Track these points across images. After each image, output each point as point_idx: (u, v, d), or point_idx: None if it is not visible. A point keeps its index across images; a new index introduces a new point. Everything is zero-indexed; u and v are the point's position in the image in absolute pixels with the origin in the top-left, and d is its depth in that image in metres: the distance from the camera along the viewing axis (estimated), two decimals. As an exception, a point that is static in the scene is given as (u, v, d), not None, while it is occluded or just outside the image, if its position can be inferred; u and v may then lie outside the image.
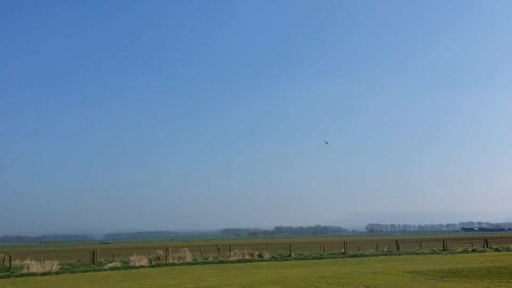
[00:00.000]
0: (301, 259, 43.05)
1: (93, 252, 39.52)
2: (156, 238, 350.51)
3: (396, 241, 56.41)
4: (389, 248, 54.31)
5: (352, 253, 47.32)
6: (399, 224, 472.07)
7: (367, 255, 46.47)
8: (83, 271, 33.38)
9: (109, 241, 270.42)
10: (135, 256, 38.86)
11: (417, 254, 47.60)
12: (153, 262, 38.58)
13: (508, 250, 50.27)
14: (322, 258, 43.62)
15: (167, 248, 41.56)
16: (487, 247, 53.50)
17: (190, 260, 40.04)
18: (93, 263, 37.56)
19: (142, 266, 36.61)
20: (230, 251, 44.63)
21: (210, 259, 41.38)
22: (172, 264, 37.87)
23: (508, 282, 20.15)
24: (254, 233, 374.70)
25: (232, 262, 39.85)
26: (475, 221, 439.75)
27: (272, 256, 44.02)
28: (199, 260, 40.34)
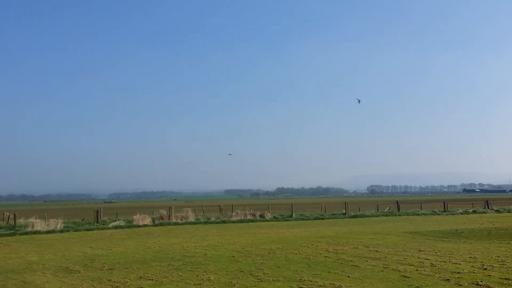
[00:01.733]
0: (302, 219, 43.46)
1: (97, 211, 39.92)
2: (159, 198, 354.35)
3: (397, 202, 56.80)
4: (389, 209, 54.77)
5: (353, 214, 47.73)
6: (400, 186, 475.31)
7: (367, 216, 46.86)
8: (87, 230, 33.80)
9: (113, 200, 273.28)
10: (138, 215, 39.27)
11: (418, 215, 47.96)
12: (156, 222, 39.02)
13: (509, 212, 50.60)
14: (323, 219, 44.01)
15: (170, 207, 41.96)
16: (488, 208, 53.85)
17: (193, 220, 40.48)
18: (97, 222, 38.00)
19: (145, 225, 37.06)
20: (232, 212, 45.05)
21: (213, 219, 41.81)
22: (175, 224, 38.31)
23: (508, 243, 20.31)
24: (256, 194, 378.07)
25: (234, 222, 40.28)
26: (476, 182, 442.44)
27: (274, 217, 44.43)
28: (202, 220, 40.78)
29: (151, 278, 13.07)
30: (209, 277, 12.94)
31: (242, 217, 42.41)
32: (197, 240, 23.68)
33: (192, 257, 17.22)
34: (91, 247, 22.10)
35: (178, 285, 12.03)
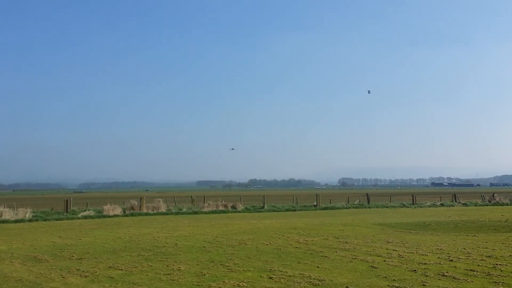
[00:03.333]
0: (274, 211, 43.72)
1: (67, 201, 39.38)
2: (131, 188, 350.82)
3: (367, 195, 57.60)
4: (359, 201, 55.46)
5: (323, 206, 48.21)
6: (371, 178, 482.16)
7: (338, 208, 47.42)
8: (57, 219, 33.30)
9: (83, 190, 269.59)
10: (108, 206, 38.85)
11: (387, 207, 48.74)
12: (126, 212, 38.69)
13: (475, 205, 51.84)
14: (295, 210, 44.37)
15: (141, 198, 41.65)
16: (456, 201, 55.08)
17: (164, 211, 40.28)
18: (67, 212, 37.48)
19: (115, 215, 36.71)
20: (204, 202, 44.94)
21: (184, 209, 41.67)
22: (146, 214, 38.06)
23: (474, 236, 20.83)
24: (228, 185, 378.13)
25: (206, 213, 40.22)
26: (445, 176, 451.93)
27: (246, 208, 44.55)
28: (173, 211, 40.59)
29: (120, 268, 12.97)
30: (179, 267, 12.92)
31: (214, 208, 42.37)
32: (168, 231, 23.57)
33: (163, 247, 17.15)
34: (60, 236, 21.79)
35: (148, 275, 11.97)
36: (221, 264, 13.30)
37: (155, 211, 39.62)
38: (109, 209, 38.00)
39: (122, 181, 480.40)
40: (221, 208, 42.92)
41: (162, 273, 12.14)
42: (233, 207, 43.76)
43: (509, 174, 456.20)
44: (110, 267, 13.18)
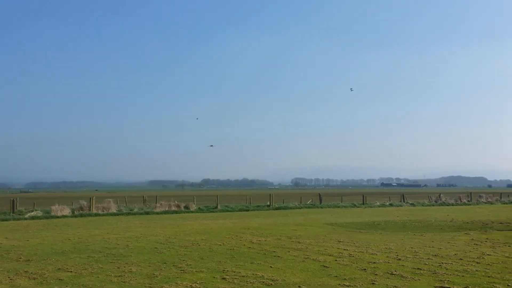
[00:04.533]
0: (227, 211, 43.70)
1: (13, 201, 38.15)
2: (79, 188, 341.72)
3: (319, 195, 58.45)
4: (312, 201, 56.21)
5: (277, 206, 48.58)
6: (323, 179, 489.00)
7: (291, 208, 47.89)
8: (2, 220, 32.18)
9: (30, 190, 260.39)
10: (57, 206, 37.77)
11: (338, 207, 49.65)
12: (75, 212, 37.74)
13: (422, 205, 53.50)
14: (248, 210, 44.51)
15: (90, 198, 40.68)
16: (404, 202, 56.70)
17: (115, 211, 39.53)
18: (13, 212, 36.27)
19: (64, 216, 35.71)
20: (156, 203, 44.43)
21: (136, 210, 41.04)
22: (96, 215, 37.24)
23: (421, 235, 21.51)
24: (181, 185, 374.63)
25: (158, 213, 39.75)
26: (394, 177, 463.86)
27: (199, 208, 44.34)
28: (124, 211, 39.90)
29: (70, 270, 12.62)
30: (130, 268, 12.70)
31: (167, 208, 41.94)
32: (119, 232, 23.13)
33: (114, 248, 16.80)
34: (6, 237, 21.02)
35: (98, 277, 11.71)
36: (173, 265, 13.17)
37: (105, 212, 38.81)
38: (57, 209, 36.94)
39: (70, 180, 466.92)
40: (173, 208, 42.53)
41: (113, 275, 11.90)
42: (186, 207, 43.46)
43: (454, 175, 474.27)
44: (59, 269, 12.81)
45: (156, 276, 11.68)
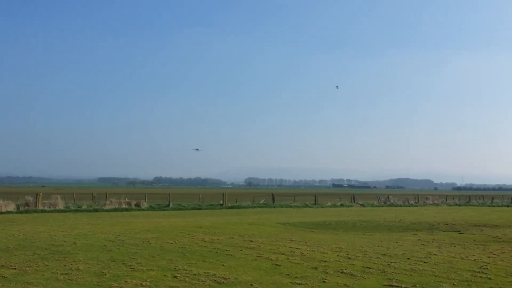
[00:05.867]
0: (180, 209, 43.31)
1: (-48, 197, 36.31)
2: (26, 184, 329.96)
3: (272, 194, 58.81)
4: (265, 200, 56.46)
5: (230, 205, 48.52)
6: (276, 179, 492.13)
7: (244, 207, 47.92)
8: None
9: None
10: (0, 201, 36.27)
11: (291, 207, 50.08)
12: (21, 208, 36.44)
13: (372, 206, 54.77)
14: (201, 209, 44.24)
15: (37, 194, 39.36)
16: (354, 202, 57.87)
17: (62, 208, 38.39)
18: (-48, 208, 34.52)
19: (8, 212, 34.39)
20: (106, 200, 43.45)
21: (84, 207, 40.01)
22: (42, 211, 36.05)
23: (370, 235, 21.97)
24: (132, 183, 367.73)
25: (107, 210, 38.88)
26: (345, 178, 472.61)
27: (150, 206, 43.72)
28: (72, 208, 38.83)
29: (14, 267, 12.10)
30: (78, 266, 12.31)
31: (117, 206, 41.13)
32: (66, 229, 22.40)
33: (60, 246, 16.25)
34: None
35: (44, 274, 11.28)
36: (123, 263, 12.86)
37: (52, 208, 37.63)
38: (1, 205, 35.50)
39: (16, 175, 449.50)
40: (124, 206, 41.75)
41: (59, 272, 11.50)
42: (137, 205, 42.74)
43: (402, 177, 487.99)
44: (2, 266, 12.26)
45: (105, 274, 11.37)
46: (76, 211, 37.70)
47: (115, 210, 39.58)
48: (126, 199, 44.36)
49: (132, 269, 12.05)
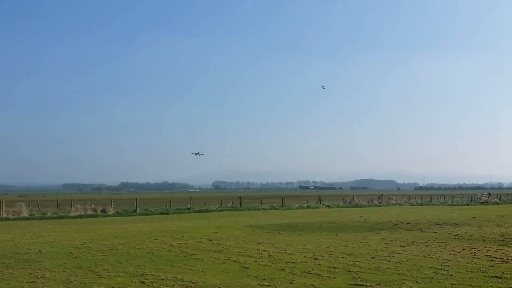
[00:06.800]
0: (147, 214, 42.89)
1: None
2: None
3: (240, 197, 58.89)
4: (232, 204, 56.51)
5: (197, 209, 48.32)
6: (243, 182, 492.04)
7: (211, 211, 47.83)
8: None
9: None
10: (-39, 210, 35.27)
11: (258, 209, 50.26)
12: (-17, 217, 35.42)
13: (338, 207, 55.51)
14: (168, 214, 43.93)
15: (0, 202, 38.37)
16: (320, 203, 58.48)
17: (27, 215, 37.52)
18: None
19: (-31, 221, 33.41)
20: (71, 206, 42.67)
21: (49, 214, 39.17)
22: (6, 219, 35.14)
23: (336, 235, 22.36)
24: (98, 189, 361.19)
25: (73, 217, 38.19)
26: (311, 180, 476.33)
27: (117, 212, 43.16)
28: (37, 215, 37.97)
29: (-24, 278, 11.87)
30: (44, 274, 12.17)
31: (82, 212, 40.44)
32: (31, 236, 22.01)
33: (25, 254, 15.99)
34: None
35: (9, 283, 11.12)
36: (89, 270, 12.78)
37: (16, 216, 36.73)
38: (-39, 214, 34.48)
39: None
40: (89, 212, 41.10)
41: (24, 281, 11.35)
42: (103, 211, 42.14)
43: (367, 178, 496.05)
44: (-37, 277, 12.01)
45: (71, 282, 11.29)
46: (41, 218, 36.91)
47: (80, 216, 38.93)
48: (92, 205, 43.65)
49: (99, 276, 11.99)
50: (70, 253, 16.23)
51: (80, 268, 13.18)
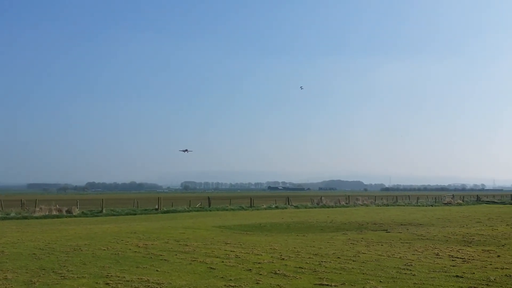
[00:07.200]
0: (113, 215, 42.39)
1: None
2: None
3: (208, 198, 58.83)
4: (201, 204, 56.36)
5: (165, 209, 48.02)
6: (213, 182, 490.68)
7: (180, 211, 47.59)
8: None
9: None
10: None
11: (227, 210, 50.26)
12: None
13: (305, 208, 55.99)
14: (135, 214, 43.53)
15: (-41, 202, 37.30)
16: (289, 204, 58.87)
17: (-12, 216, 36.61)
18: None
19: None
20: (35, 207, 41.83)
21: (12, 214, 38.34)
22: (-34, 220, 34.21)
23: (303, 235, 22.56)
24: (64, 189, 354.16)
25: (37, 218, 37.47)
26: (280, 180, 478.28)
27: (82, 212, 42.53)
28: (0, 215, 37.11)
29: None
30: (6, 275, 11.91)
31: (47, 213, 39.71)
32: (-7, 238, 21.49)
33: (-14, 255, 15.60)
34: None
35: (-33, 286, 10.85)
36: (53, 272, 12.56)
37: (-23, 217, 35.79)
38: None
39: None
40: (54, 212, 40.38)
41: (-16, 283, 11.10)
42: (68, 211, 41.45)
43: (334, 179, 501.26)
44: None
45: (34, 283, 11.09)
46: (3, 218, 36.06)
47: (45, 217, 38.20)
48: (57, 206, 42.89)
49: (62, 277, 11.81)
50: (34, 254, 15.91)
51: (44, 269, 12.95)
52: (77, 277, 11.90)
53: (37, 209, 40.67)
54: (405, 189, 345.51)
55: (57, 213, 40.24)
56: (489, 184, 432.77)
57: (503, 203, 77.48)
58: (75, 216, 40.06)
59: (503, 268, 13.26)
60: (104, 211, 43.88)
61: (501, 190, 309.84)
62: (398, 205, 65.65)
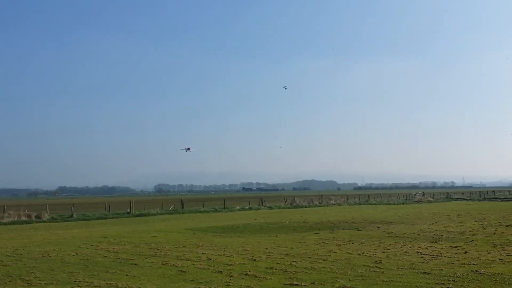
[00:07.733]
0: (84, 219, 41.77)
1: None
2: None
3: (181, 200, 58.44)
4: (174, 207, 55.96)
5: (137, 213, 47.58)
6: (186, 184, 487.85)
7: (152, 214, 47.23)
8: None
9: None
10: None
11: (200, 212, 50.06)
12: None
13: (279, 208, 56.25)
14: (107, 218, 42.98)
15: None
16: (262, 205, 59.02)
17: (-47, 223, 35.65)
18: None
19: None
20: (4, 213, 40.93)
21: (-21, 221, 37.41)
22: None
23: (276, 236, 22.65)
24: (34, 194, 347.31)
25: (5, 224, 36.71)
26: (254, 182, 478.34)
27: (52, 218, 41.79)
28: (-35, 223, 36.17)
29: None
30: (-31, 285, 11.62)
31: (16, 219, 38.98)
32: (-42, 246, 20.92)
33: (-50, 264, 15.18)
34: None
35: None
36: (20, 278, 12.31)
37: None
38: None
39: None
40: (23, 218, 39.66)
41: None
42: (38, 216, 40.72)
43: (308, 179, 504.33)
44: None
45: (-1, 292, 10.85)
46: (-32, 226, 35.17)
47: (13, 223, 37.43)
48: (26, 211, 42.11)
49: (29, 284, 11.58)
50: (0, 261, 15.57)
51: (10, 276, 12.68)
52: (44, 283, 11.69)
53: (6, 215, 39.83)
54: (377, 188, 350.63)
55: (26, 219, 39.51)
56: (459, 182, 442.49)
57: (472, 200, 79.37)
58: (44, 222, 39.37)
59: (470, 264, 13.55)
60: (74, 215, 43.22)
61: (470, 187, 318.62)
62: (370, 204, 66.49)
